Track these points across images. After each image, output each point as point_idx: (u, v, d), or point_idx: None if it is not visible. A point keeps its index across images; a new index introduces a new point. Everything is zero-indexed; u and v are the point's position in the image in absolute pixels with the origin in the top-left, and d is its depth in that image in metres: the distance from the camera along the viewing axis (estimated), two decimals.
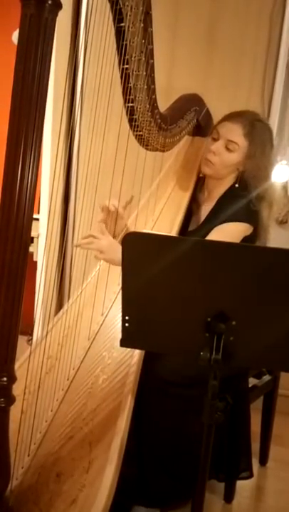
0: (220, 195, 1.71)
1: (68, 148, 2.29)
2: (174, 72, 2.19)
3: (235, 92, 2.21)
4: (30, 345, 2.32)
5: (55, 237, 2.33)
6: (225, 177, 1.70)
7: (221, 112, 1.96)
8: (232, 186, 1.70)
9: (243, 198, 1.64)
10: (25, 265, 0.93)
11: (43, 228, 2.33)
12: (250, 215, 1.62)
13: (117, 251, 1.38)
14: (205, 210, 1.75)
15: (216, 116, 1.97)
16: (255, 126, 1.62)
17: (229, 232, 1.60)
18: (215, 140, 1.66)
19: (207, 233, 1.61)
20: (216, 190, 1.73)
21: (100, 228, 1.52)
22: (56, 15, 0.87)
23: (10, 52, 2.41)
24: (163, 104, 1.52)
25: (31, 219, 0.93)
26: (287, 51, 2.18)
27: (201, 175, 1.88)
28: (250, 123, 1.62)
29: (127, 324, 1.09)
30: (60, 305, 2.50)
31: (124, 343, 1.13)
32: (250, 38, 2.20)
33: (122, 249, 1.02)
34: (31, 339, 2.40)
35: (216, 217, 1.64)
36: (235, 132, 1.62)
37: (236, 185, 1.68)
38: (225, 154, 1.64)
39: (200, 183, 1.85)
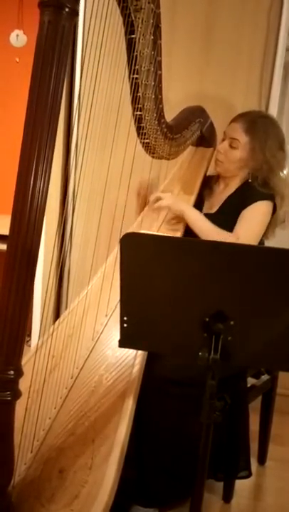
0: (237, 186, 1.81)
1: (66, 150, 2.32)
2: (171, 73, 2.19)
3: (232, 94, 2.23)
4: (29, 346, 2.36)
5: (54, 237, 2.34)
6: (236, 174, 1.81)
7: (218, 113, 2.00)
8: (247, 181, 1.78)
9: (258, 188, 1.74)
10: (36, 259, 0.96)
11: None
12: (271, 195, 1.72)
13: (181, 202, 1.75)
14: (222, 196, 1.84)
15: (213, 116, 2.01)
16: (256, 122, 1.72)
17: (260, 210, 1.71)
18: (223, 141, 1.79)
19: (230, 215, 1.73)
20: (233, 183, 1.83)
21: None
22: (73, 23, 0.89)
23: (8, 53, 2.44)
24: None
25: (41, 228, 0.95)
26: (284, 52, 2.20)
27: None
28: (251, 120, 1.72)
29: (125, 325, 1.09)
30: (58, 306, 2.51)
31: (123, 343, 1.13)
32: (247, 39, 2.21)
33: (120, 249, 1.02)
34: (30, 340, 2.44)
35: (237, 200, 1.75)
36: (236, 130, 1.73)
37: (249, 180, 1.77)
38: (229, 152, 1.75)
39: (214, 178, 1.94)
